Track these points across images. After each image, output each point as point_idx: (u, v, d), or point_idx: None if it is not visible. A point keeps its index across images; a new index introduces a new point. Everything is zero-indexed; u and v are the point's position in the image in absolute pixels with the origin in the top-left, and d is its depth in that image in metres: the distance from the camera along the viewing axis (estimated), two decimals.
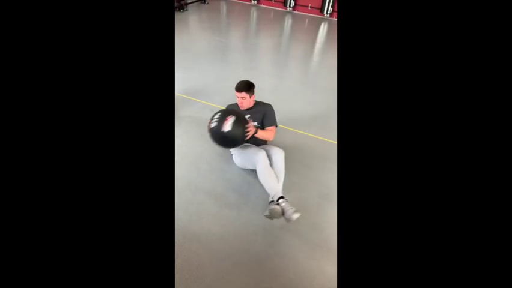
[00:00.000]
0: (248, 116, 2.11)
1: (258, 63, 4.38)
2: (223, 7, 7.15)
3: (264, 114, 2.11)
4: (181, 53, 4.22)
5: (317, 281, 1.50)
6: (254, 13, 6.94)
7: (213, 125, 1.80)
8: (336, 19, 6.91)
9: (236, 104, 2.14)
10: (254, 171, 2.08)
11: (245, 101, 2.05)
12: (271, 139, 2.13)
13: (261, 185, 1.88)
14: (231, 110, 1.91)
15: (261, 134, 2.03)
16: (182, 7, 6.24)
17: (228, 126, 1.76)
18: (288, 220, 1.66)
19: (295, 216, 1.65)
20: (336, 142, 2.60)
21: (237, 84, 2.04)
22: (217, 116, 1.82)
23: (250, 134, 1.86)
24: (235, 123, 1.77)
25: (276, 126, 2.15)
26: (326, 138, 2.64)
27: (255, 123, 2.12)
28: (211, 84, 3.43)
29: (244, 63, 4.27)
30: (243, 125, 1.81)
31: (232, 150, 2.10)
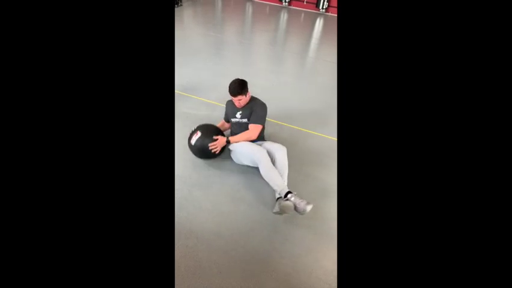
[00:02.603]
0: (240, 112, 2.11)
1: (253, 59, 4.35)
2: (218, 2, 7.08)
3: (252, 111, 2.07)
4: (176, 49, 4.17)
5: (315, 275, 1.51)
6: (249, 8, 6.89)
7: (190, 138, 2.11)
8: (331, 14, 6.89)
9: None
10: (251, 167, 2.08)
11: (242, 101, 2.04)
12: (254, 137, 2.07)
13: (265, 184, 1.88)
14: (204, 126, 2.14)
15: (236, 139, 2.04)
16: (177, 2, 6.17)
17: (193, 140, 2.07)
18: (303, 213, 1.66)
19: (309, 207, 1.64)
20: (332, 138, 2.61)
21: (230, 89, 2.01)
22: (193, 130, 2.13)
23: (216, 149, 2.01)
24: (200, 137, 2.04)
25: (262, 124, 2.08)
26: (323, 134, 2.64)
27: (245, 120, 2.10)
28: (206, 80, 3.41)
29: (240, 59, 4.24)
30: (209, 139, 2.03)
31: (230, 146, 2.08)
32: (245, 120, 2.11)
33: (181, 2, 6.32)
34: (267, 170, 1.84)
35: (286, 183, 1.85)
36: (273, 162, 1.92)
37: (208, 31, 5.11)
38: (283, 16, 6.56)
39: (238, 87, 1.99)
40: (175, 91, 3.08)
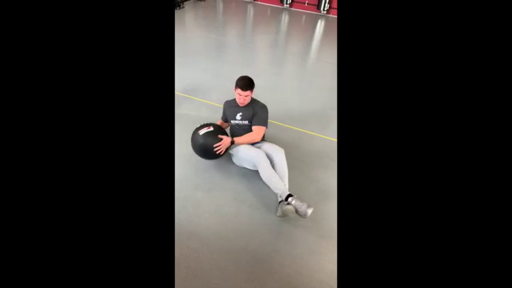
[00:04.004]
0: (240, 113, 2.08)
1: (254, 61, 4.36)
2: (220, 4, 7.11)
3: (255, 113, 2.06)
4: (177, 51, 4.19)
5: (316, 277, 1.50)
6: (251, 10, 6.91)
7: (196, 133, 2.02)
8: (333, 16, 6.90)
9: (234, 100, 2.11)
10: (252, 170, 2.08)
11: (247, 98, 2.02)
12: (258, 139, 2.07)
13: (267, 186, 1.88)
14: (215, 125, 2.08)
15: (241, 141, 2.02)
16: (179, 5, 6.20)
17: (203, 131, 1.99)
18: (304, 216, 1.65)
19: (310, 211, 1.64)
20: (333, 139, 2.60)
21: (241, 82, 1.96)
22: (205, 123, 2.06)
23: (220, 149, 1.95)
24: (208, 133, 1.97)
25: (266, 127, 2.09)
26: (324, 135, 2.64)
27: (246, 122, 2.08)
28: (207, 82, 3.42)
29: (241, 61, 4.25)
30: (215, 138, 1.96)
31: (231, 150, 2.07)
32: (246, 122, 2.09)
33: (182, 4, 6.35)
34: (266, 174, 1.83)
35: (287, 186, 1.84)
36: (272, 164, 1.91)
37: (209, 33, 5.13)
38: (285, 18, 6.58)
39: (249, 81, 1.97)
40: (177, 93, 3.09)
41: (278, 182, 1.80)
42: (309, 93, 3.44)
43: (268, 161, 1.88)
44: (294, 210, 1.68)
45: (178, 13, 6.02)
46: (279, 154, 1.94)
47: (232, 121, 2.14)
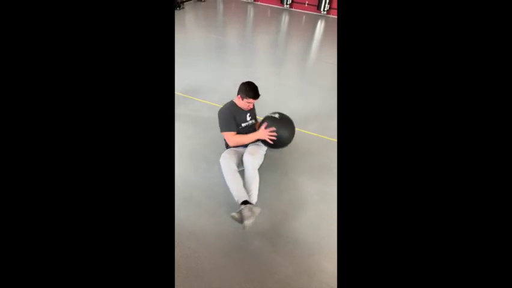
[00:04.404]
0: (248, 114, 2.08)
1: (255, 61, 4.36)
2: (220, 5, 7.12)
3: (254, 111, 2.12)
4: (177, 51, 4.19)
5: (316, 278, 1.50)
6: (251, 11, 6.91)
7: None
8: (333, 16, 6.91)
9: (232, 105, 2.05)
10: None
11: (253, 104, 2.05)
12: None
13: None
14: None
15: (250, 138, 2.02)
16: (179, 5, 6.20)
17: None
18: (242, 224, 1.61)
19: (248, 222, 1.59)
20: (334, 139, 2.60)
21: (253, 92, 1.94)
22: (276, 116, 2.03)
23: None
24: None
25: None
26: (324, 136, 2.64)
27: (253, 121, 2.12)
28: (208, 83, 3.41)
29: (242, 61, 4.25)
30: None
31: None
32: (253, 120, 2.12)
33: (182, 5, 6.35)
34: (226, 178, 1.82)
35: (252, 193, 1.79)
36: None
37: (210, 34, 5.13)
38: (285, 18, 6.58)
39: (258, 90, 1.98)
40: (177, 93, 3.09)
41: (236, 187, 1.77)
42: (309, 93, 3.44)
43: (232, 167, 1.84)
44: (239, 219, 1.63)
45: (178, 13, 6.03)
46: (249, 163, 1.88)
47: (243, 124, 2.07)
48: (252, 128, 2.11)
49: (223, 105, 2.10)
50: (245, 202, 1.70)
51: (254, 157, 1.90)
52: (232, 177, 1.80)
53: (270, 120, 1.98)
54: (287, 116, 2.07)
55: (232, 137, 2.01)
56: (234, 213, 1.66)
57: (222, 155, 1.94)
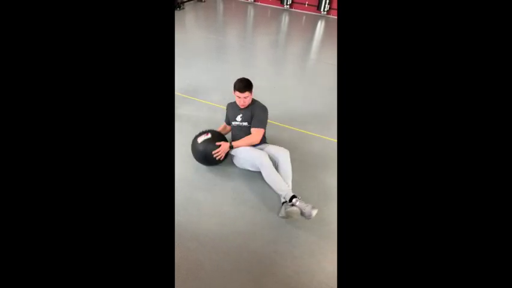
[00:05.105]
0: (240, 115, 2.09)
1: (255, 61, 4.36)
2: (220, 5, 7.12)
3: (253, 115, 2.06)
4: (178, 52, 4.19)
5: (316, 278, 1.50)
6: (251, 11, 6.92)
7: (195, 141, 2.06)
8: (333, 16, 6.91)
9: (234, 102, 2.12)
10: (253, 171, 2.07)
11: (247, 100, 2.03)
12: (256, 142, 2.07)
13: (267, 187, 1.88)
14: (213, 131, 2.10)
15: (239, 144, 2.02)
16: (179, 6, 6.21)
17: (201, 139, 2.02)
18: (309, 217, 1.66)
19: (314, 212, 1.65)
20: (333, 139, 2.60)
21: (238, 85, 1.98)
22: (203, 131, 2.09)
23: (220, 155, 1.96)
24: (207, 140, 2.00)
25: (264, 128, 2.09)
26: (324, 136, 2.63)
27: (245, 124, 2.10)
28: (208, 83, 3.42)
29: (242, 62, 4.25)
30: (212, 146, 1.98)
31: (233, 151, 2.06)
32: (245, 123, 2.10)
33: (183, 5, 6.36)
34: (269, 175, 1.83)
35: (290, 188, 1.84)
36: (276, 166, 1.91)
37: (210, 34, 5.14)
38: (285, 19, 6.58)
39: (246, 83, 1.99)
40: (177, 93, 3.09)
41: (281, 183, 1.80)
42: (309, 94, 3.44)
43: (271, 163, 1.87)
44: (299, 211, 1.67)
45: (178, 14, 6.03)
46: (283, 155, 1.94)
47: (233, 122, 2.15)
48: (243, 131, 2.11)
49: None
50: (292, 197, 1.74)
51: (284, 150, 1.97)
52: (275, 173, 1.84)
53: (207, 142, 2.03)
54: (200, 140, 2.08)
55: (224, 128, 2.31)
56: (287, 210, 1.68)
57: (258, 153, 1.91)
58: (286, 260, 1.57)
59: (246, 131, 2.10)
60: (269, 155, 1.93)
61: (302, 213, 1.67)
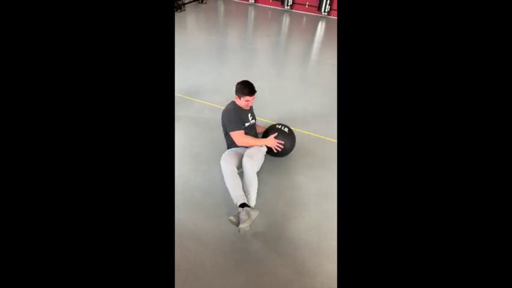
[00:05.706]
0: (250, 114, 2.13)
1: (256, 63, 4.37)
2: (221, 7, 7.14)
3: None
4: (178, 53, 4.21)
5: (318, 279, 1.50)
6: (252, 12, 6.93)
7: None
8: (333, 17, 6.91)
9: (234, 105, 2.07)
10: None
11: (252, 102, 2.07)
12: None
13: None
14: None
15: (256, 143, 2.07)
16: (180, 7, 6.23)
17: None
18: (238, 230, 1.59)
19: (243, 225, 1.56)
20: (334, 140, 2.60)
21: (247, 90, 1.98)
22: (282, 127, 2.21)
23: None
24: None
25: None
26: (325, 137, 2.63)
27: (254, 121, 2.18)
28: (209, 84, 3.42)
29: (243, 63, 4.26)
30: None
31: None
32: (254, 120, 2.17)
33: (183, 7, 6.38)
34: (226, 180, 1.82)
35: (250, 196, 1.77)
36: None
37: (211, 35, 5.15)
38: (285, 20, 6.59)
39: (253, 86, 2.01)
40: (178, 94, 3.10)
41: (235, 189, 1.76)
42: (310, 94, 3.44)
43: (233, 169, 1.85)
44: (236, 222, 1.61)
45: (179, 16, 6.05)
46: (248, 165, 1.86)
47: (246, 124, 2.09)
48: (253, 128, 2.16)
49: (226, 105, 2.12)
50: (243, 205, 1.69)
51: (253, 160, 1.89)
52: (232, 179, 1.81)
53: (279, 132, 2.14)
54: (293, 131, 2.25)
55: (242, 137, 2.02)
56: (231, 217, 1.65)
57: (223, 156, 1.95)
58: (287, 261, 1.57)
59: (254, 129, 2.18)
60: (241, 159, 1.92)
61: (237, 225, 1.61)
